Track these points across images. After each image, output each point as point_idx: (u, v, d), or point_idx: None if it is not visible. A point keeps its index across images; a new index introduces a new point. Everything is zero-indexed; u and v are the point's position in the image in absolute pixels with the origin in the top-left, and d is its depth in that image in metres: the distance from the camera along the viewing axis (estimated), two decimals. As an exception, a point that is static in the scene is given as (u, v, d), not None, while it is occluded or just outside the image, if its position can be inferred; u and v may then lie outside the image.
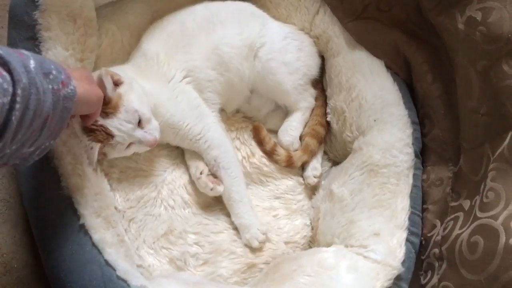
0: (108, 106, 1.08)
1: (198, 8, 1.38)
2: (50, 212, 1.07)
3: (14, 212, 1.22)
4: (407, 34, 1.34)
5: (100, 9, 1.35)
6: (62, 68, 0.84)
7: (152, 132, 1.15)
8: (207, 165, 1.31)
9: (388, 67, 1.36)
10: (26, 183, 1.11)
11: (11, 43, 1.16)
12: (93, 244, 1.05)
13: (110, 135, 1.09)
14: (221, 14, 1.37)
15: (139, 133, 1.14)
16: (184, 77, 1.29)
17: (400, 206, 1.23)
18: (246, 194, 1.31)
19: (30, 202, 1.10)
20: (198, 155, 1.33)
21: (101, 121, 1.08)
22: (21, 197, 1.17)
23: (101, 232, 1.07)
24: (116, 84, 1.13)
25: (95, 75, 1.09)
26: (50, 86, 0.79)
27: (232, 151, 1.33)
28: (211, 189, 1.27)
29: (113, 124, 1.09)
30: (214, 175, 1.30)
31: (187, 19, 1.35)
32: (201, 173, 1.28)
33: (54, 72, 0.80)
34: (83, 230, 1.06)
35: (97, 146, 1.09)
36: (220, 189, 1.27)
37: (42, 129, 0.80)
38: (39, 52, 1.14)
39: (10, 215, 1.22)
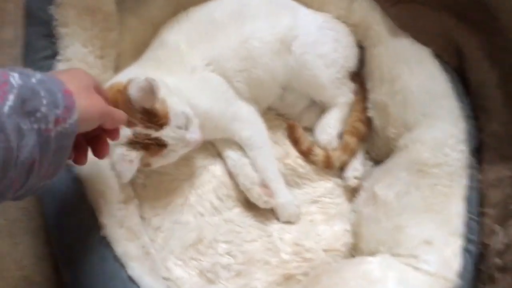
0: (159, 118, 1.00)
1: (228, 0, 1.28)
2: (70, 222, 1.00)
3: (35, 222, 1.16)
4: (457, 17, 1.21)
5: (121, 2, 1.26)
6: (62, 97, 0.67)
7: (196, 130, 1.07)
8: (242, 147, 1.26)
9: (436, 55, 1.23)
10: (46, 191, 1.03)
11: (28, 42, 1.10)
12: (116, 258, 0.97)
13: (163, 145, 1.01)
14: (251, 7, 1.28)
15: (188, 136, 1.05)
16: (208, 65, 1.21)
17: (454, 210, 1.11)
18: (279, 172, 1.25)
19: (50, 211, 1.03)
20: (242, 154, 1.25)
21: (155, 134, 1.00)
22: (42, 206, 1.09)
23: (124, 244, 0.99)
24: None
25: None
26: (36, 126, 0.64)
27: (265, 131, 1.27)
28: (265, 202, 1.21)
29: (166, 133, 1.01)
30: (261, 174, 1.23)
31: (215, 10, 1.26)
32: (253, 183, 1.21)
33: (43, 109, 0.64)
34: (105, 242, 0.98)
35: (138, 158, 0.99)
36: (273, 202, 1.22)
37: (27, 176, 0.65)
38: (56, 50, 1.07)
39: (31, 225, 1.16)
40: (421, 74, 1.23)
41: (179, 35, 1.22)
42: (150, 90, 0.95)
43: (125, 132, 0.97)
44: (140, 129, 0.99)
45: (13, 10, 1.08)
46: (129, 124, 0.97)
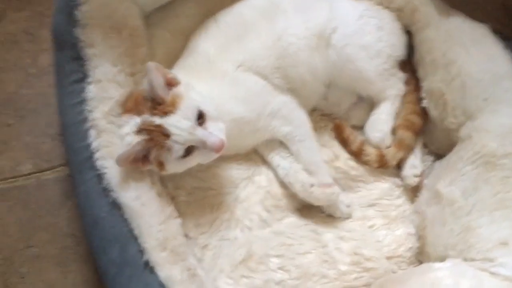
0: (165, 105, 0.97)
1: None
2: (112, 249, 0.97)
3: (83, 248, 1.14)
4: None
5: (149, 17, 1.24)
6: None
7: (216, 132, 1.00)
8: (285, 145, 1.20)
9: (496, 31, 1.14)
10: (86, 216, 1.01)
11: (58, 67, 1.09)
12: (160, 284, 0.92)
13: (166, 135, 0.96)
14: (282, 2, 1.20)
15: (200, 132, 0.98)
16: (239, 66, 1.14)
17: None
18: (324, 165, 1.20)
19: (92, 238, 1.01)
20: (291, 161, 1.19)
21: (158, 121, 0.96)
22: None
23: (167, 268, 0.95)
24: (171, 84, 1.01)
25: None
26: None
27: (307, 124, 1.20)
28: (331, 195, 1.16)
29: (170, 121, 0.96)
30: (306, 167, 1.17)
31: (244, 11, 1.20)
32: (311, 186, 1.14)
33: None
34: (149, 267, 0.94)
35: (140, 144, 0.97)
36: (338, 189, 1.17)
37: None
38: (85, 72, 1.05)
39: (79, 251, 1.14)
40: (479, 55, 1.13)
41: (208, 41, 1.17)
42: (158, 69, 0.97)
43: (135, 121, 0.97)
44: (147, 116, 0.96)
45: (49, 37, 1.06)
46: (139, 112, 0.97)
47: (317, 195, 1.13)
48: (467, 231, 1.04)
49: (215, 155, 1.01)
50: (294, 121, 1.18)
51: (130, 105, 1.01)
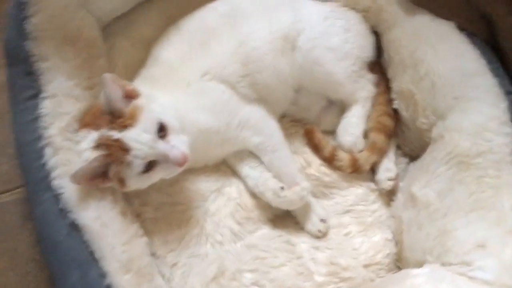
0: (123, 119, 0.93)
1: (219, 3, 1.19)
2: (72, 273, 0.91)
3: (46, 273, 1.08)
4: None
5: (108, 26, 1.19)
6: None
7: (179, 146, 0.95)
8: (255, 154, 1.16)
9: (462, 28, 1.11)
10: (44, 240, 0.95)
11: (12, 83, 1.04)
12: (124, 308, 0.87)
13: (125, 150, 0.91)
14: (244, 6, 1.17)
15: (162, 146, 0.94)
16: (204, 75, 1.10)
17: (508, 204, 0.97)
18: (300, 175, 1.14)
19: (51, 263, 0.94)
20: (261, 170, 1.15)
21: (116, 135, 0.92)
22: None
23: None
24: (131, 96, 0.97)
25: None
26: None
27: (278, 133, 1.16)
28: (303, 189, 1.10)
29: (129, 135, 0.92)
30: (279, 178, 1.13)
31: (206, 17, 1.16)
32: (281, 189, 1.10)
33: None
34: None
35: (97, 160, 0.92)
36: (306, 184, 1.12)
37: None
38: (39, 87, 0.99)
39: (42, 277, 1.08)
40: (447, 53, 1.10)
41: (170, 49, 1.13)
42: (115, 81, 0.93)
43: (93, 136, 0.93)
44: (105, 130, 0.92)
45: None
46: (96, 126, 0.93)
47: (290, 197, 1.09)
48: (444, 234, 1.00)
49: (179, 169, 0.97)
50: (264, 130, 1.14)
51: (88, 120, 0.97)
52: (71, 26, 1.02)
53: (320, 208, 1.15)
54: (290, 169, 1.14)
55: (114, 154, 0.91)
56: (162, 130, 0.96)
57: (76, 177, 0.91)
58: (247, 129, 1.12)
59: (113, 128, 0.92)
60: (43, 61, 1.00)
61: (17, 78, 1.02)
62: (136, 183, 0.96)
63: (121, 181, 0.94)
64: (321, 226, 1.13)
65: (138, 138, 0.92)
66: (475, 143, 1.02)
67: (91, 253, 0.92)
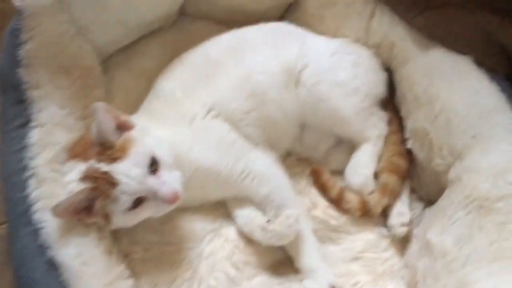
0: (113, 151, 0.88)
1: (224, 36, 1.15)
2: None
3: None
4: (498, 14, 1.01)
5: (110, 58, 1.16)
6: None
7: (170, 182, 0.89)
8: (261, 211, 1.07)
9: (479, 63, 1.04)
10: (20, 279, 0.88)
11: (3, 111, 1.01)
12: None
13: (113, 183, 0.86)
14: (251, 39, 1.14)
15: (152, 181, 0.88)
16: (209, 111, 1.05)
17: None
18: (310, 233, 1.07)
19: None
20: (252, 209, 1.07)
21: (105, 168, 0.87)
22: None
23: None
24: (124, 127, 0.93)
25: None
26: None
27: (286, 184, 1.09)
28: (289, 217, 1.00)
29: (118, 169, 0.87)
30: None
31: (210, 50, 1.13)
32: (268, 223, 1.02)
33: None
34: None
35: (83, 192, 0.86)
36: (290, 211, 1.02)
37: None
38: (30, 116, 0.95)
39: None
40: (463, 89, 1.04)
41: (174, 82, 1.09)
42: (108, 111, 0.89)
43: (80, 167, 0.88)
44: (93, 162, 0.87)
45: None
46: (85, 157, 0.88)
47: (277, 230, 1.00)
48: (463, 287, 0.90)
49: (169, 207, 0.91)
50: (272, 181, 1.07)
51: (77, 150, 0.92)
52: (66, 54, 1.00)
53: (330, 272, 1.05)
54: (301, 227, 1.04)
55: (100, 187, 0.86)
56: (154, 165, 0.90)
57: (58, 210, 0.85)
58: (251, 177, 1.05)
59: (101, 160, 0.87)
60: (34, 88, 0.96)
61: (8, 105, 0.98)
62: (122, 220, 0.90)
63: (106, 217, 0.88)
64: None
65: (127, 172, 0.87)
66: (496, 186, 0.93)
67: (69, 293, 0.84)
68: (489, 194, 0.93)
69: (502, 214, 0.91)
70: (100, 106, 0.88)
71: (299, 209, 1.07)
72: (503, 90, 1.00)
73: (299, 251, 1.04)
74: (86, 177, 0.87)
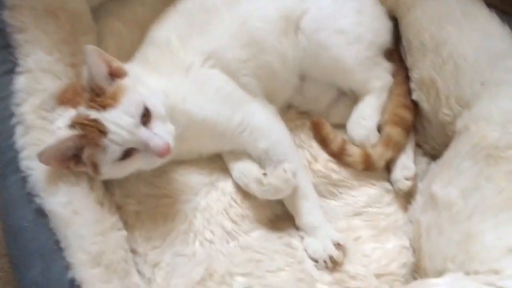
0: (104, 97, 0.85)
1: None
2: (34, 264, 0.82)
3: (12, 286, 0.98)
4: None
5: (102, 6, 1.12)
6: None
7: (162, 135, 0.85)
8: (259, 164, 1.03)
9: (490, 4, 1.01)
10: (7, 228, 0.86)
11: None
12: (87, 307, 0.76)
13: (102, 132, 0.82)
14: None
15: (143, 132, 0.84)
16: (206, 60, 1.01)
17: None
18: (312, 190, 1.04)
19: (13, 252, 0.85)
20: (247, 161, 1.03)
21: (94, 115, 0.83)
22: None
23: (98, 287, 0.78)
24: (117, 75, 0.89)
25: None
26: None
27: (286, 139, 1.05)
28: (286, 171, 0.96)
29: (109, 117, 0.83)
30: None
31: None
32: (264, 174, 0.99)
33: None
34: (74, 286, 0.78)
35: (71, 139, 0.83)
36: (288, 165, 0.98)
37: None
38: (15, 61, 0.91)
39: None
40: (473, 33, 1.00)
41: (169, 30, 1.05)
42: (100, 55, 0.86)
43: (70, 114, 0.85)
44: (83, 109, 0.84)
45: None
46: (75, 104, 0.85)
47: (274, 183, 0.96)
48: (468, 239, 0.88)
49: (160, 161, 0.88)
50: (272, 135, 1.02)
51: (68, 97, 0.89)
52: (54, -4, 0.94)
53: (333, 229, 1.01)
54: (300, 184, 1.01)
55: (89, 135, 0.83)
56: (146, 116, 0.87)
57: (44, 156, 0.82)
58: (249, 131, 1.01)
59: (91, 107, 0.84)
60: (20, 32, 0.93)
61: (-8, 51, 0.94)
62: (111, 170, 0.87)
63: (95, 167, 0.85)
64: (334, 252, 0.97)
65: (118, 120, 0.83)
66: (506, 133, 0.91)
67: (57, 243, 0.82)
68: (498, 142, 0.91)
69: (511, 162, 0.88)
70: (91, 49, 0.84)
71: (299, 164, 1.04)
72: (516, 32, 0.96)
73: (299, 208, 1.01)
74: (74, 124, 0.84)
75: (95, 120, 0.83)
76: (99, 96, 0.85)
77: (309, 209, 1.01)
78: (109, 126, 0.83)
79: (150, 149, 0.84)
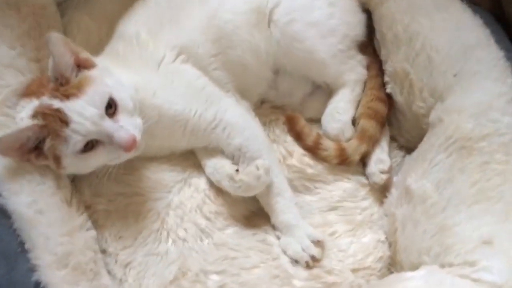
0: (68, 87, 0.82)
1: None
2: None
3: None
4: None
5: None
6: None
7: (128, 128, 0.83)
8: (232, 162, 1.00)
9: None
10: None
11: None
12: (53, 311, 0.73)
13: (64, 122, 0.79)
14: None
15: (108, 124, 0.81)
16: (177, 55, 0.99)
17: None
18: (287, 187, 1.02)
19: None
20: (220, 157, 1.01)
21: (57, 104, 0.80)
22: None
23: None
24: (84, 66, 0.86)
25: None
26: None
27: (260, 135, 1.03)
28: (258, 168, 0.95)
29: (71, 106, 0.80)
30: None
31: None
32: (237, 170, 0.97)
33: None
34: None
35: (32, 129, 0.80)
36: (261, 161, 0.97)
37: None
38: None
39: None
40: (445, 23, 1.00)
41: (138, 24, 1.02)
42: (66, 44, 0.83)
43: (33, 104, 0.82)
44: (46, 99, 0.81)
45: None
46: (39, 95, 0.82)
47: (245, 180, 0.94)
48: (443, 231, 0.89)
49: (124, 155, 0.84)
50: (245, 131, 1.00)
51: (32, 89, 0.86)
52: (15, -12, 0.91)
53: (310, 227, 1.00)
54: (274, 180, 0.99)
55: (51, 125, 0.79)
56: (112, 108, 0.84)
57: (1, 145, 0.79)
58: (222, 127, 0.99)
59: (55, 97, 0.81)
60: (-22, 26, 0.88)
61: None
62: (74, 163, 0.83)
63: (57, 160, 0.81)
64: (315, 251, 0.96)
65: (81, 110, 0.80)
66: (478, 125, 0.91)
67: (21, 244, 0.79)
68: (472, 133, 0.91)
69: (484, 153, 0.89)
70: (55, 36, 0.81)
71: (274, 160, 1.02)
72: (487, 23, 0.97)
73: (274, 206, 0.99)
74: (36, 114, 0.81)
75: (57, 110, 0.80)
76: (63, 86, 0.82)
77: (284, 207, 0.99)
78: (72, 116, 0.79)
79: (115, 141, 0.81)
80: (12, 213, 0.80)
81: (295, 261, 0.96)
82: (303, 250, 0.96)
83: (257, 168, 0.94)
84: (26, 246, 0.79)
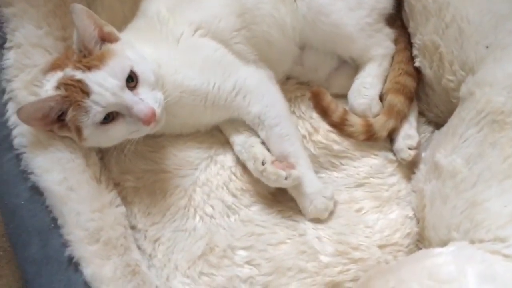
0: (90, 58, 0.83)
1: None
2: (31, 242, 0.81)
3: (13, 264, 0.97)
4: None
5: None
6: None
7: (149, 101, 0.83)
8: (251, 127, 1.00)
9: None
10: (3, 207, 0.85)
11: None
12: (85, 283, 0.75)
13: (86, 93, 0.80)
14: None
15: (128, 96, 0.82)
16: (196, 30, 0.98)
17: None
18: (304, 155, 1.00)
19: (11, 232, 0.84)
20: (249, 135, 1.00)
21: (79, 75, 0.81)
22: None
23: (96, 264, 0.80)
24: (107, 39, 0.87)
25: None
26: None
27: (280, 103, 1.02)
28: (286, 178, 0.93)
29: (93, 77, 0.81)
30: (279, 158, 0.97)
31: None
32: (263, 163, 0.95)
33: None
34: (73, 264, 0.78)
35: (55, 99, 0.81)
36: (296, 173, 0.95)
37: None
38: (4, 36, 0.88)
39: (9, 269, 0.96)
40: None
41: (159, 1, 1.01)
42: (90, 16, 0.84)
43: (57, 76, 0.83)
44: (69, 70, 0.82)
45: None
46: (63, 67, 0.83)
47: (268, 175, 0.94)
48: (473, 207, 0.86)
49: (144, 129, 0.84)
50: (265, 99, 0.99)
51: (58, 62, 0.87)
52: (40, -33, 0.91)
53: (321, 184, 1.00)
54: (293, 150, 0.98)
55: (72, 96, 0.80)
56: (134, 81, 0.84)
57: (23, 112, 0.80)
58: (242, 95, 0.98)
59: (77, 68, 0.82)
60: (7, 6, 0.90)
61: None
62: (94, 135, 0.83)
63: (79, 131, 0.82)
64: (323, 205, 0.97)
65: (102, 81, 0.81)
66: (511, 98, 0.86)
67: (54, 220, 0.81)
68: (504, 107, 0.87)
69: (517, 128, 0.85)
70: (79, 8, 0.81)
71: (293, 128, 1.01)
72: (522, -8, 0.91)
73: (300, 196, 0.98)
74: (60, 85, 0.82)
75: (79, 81, 0.80)
76: (86, 58, 0.82)
77: (303, 177, 0.97)
78: (93, 87, 0.80)
79: (134, 114, 0.81)
80: (44, 190, 0.82)
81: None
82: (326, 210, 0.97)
83: (286, 176, 0.93)
84: (59, 222, 0.81)
